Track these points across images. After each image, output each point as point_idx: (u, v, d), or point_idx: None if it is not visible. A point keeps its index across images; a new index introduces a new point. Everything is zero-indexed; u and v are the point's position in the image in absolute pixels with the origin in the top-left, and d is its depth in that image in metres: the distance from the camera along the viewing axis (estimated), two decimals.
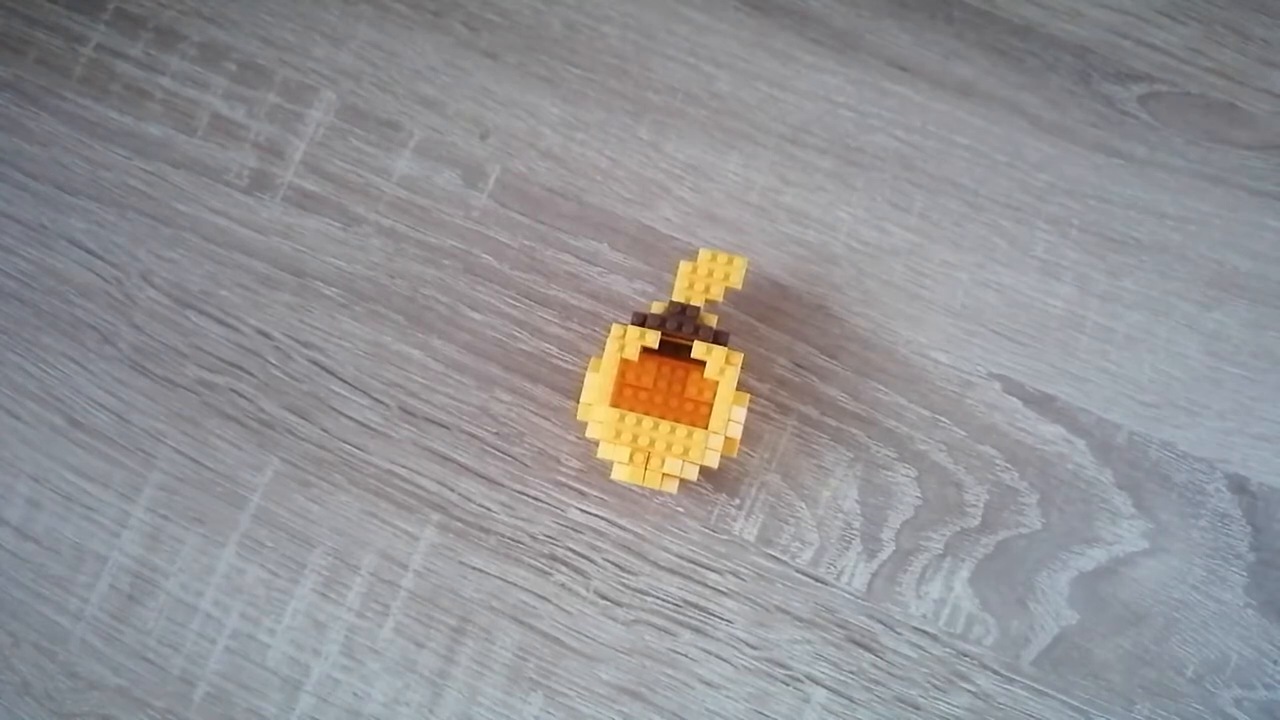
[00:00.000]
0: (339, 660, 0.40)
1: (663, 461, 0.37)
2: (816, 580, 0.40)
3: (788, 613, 0.40)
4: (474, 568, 0.40)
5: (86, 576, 0.41)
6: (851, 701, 0.39)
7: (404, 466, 0.41)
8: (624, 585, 0.40)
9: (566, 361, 0.42)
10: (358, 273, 0.43)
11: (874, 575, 0.40)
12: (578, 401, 0.41)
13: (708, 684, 0.39)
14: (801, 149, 0.43)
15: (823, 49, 0.44)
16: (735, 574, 0.40)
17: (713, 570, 0.40)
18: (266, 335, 0.42)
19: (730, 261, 0.38)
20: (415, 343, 0.42)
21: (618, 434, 0.36)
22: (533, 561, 0.40)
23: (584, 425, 0.41)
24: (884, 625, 0.39)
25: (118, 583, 0.41)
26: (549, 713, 0.39)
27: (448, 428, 0.41)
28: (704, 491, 0.41)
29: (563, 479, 0.41)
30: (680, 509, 0.40)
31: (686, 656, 0.39)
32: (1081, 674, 0.39)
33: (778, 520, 0.40)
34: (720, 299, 0.38)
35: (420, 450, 0.41)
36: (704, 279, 0.38)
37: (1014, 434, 0.40)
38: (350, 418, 0.42)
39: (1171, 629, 0.39)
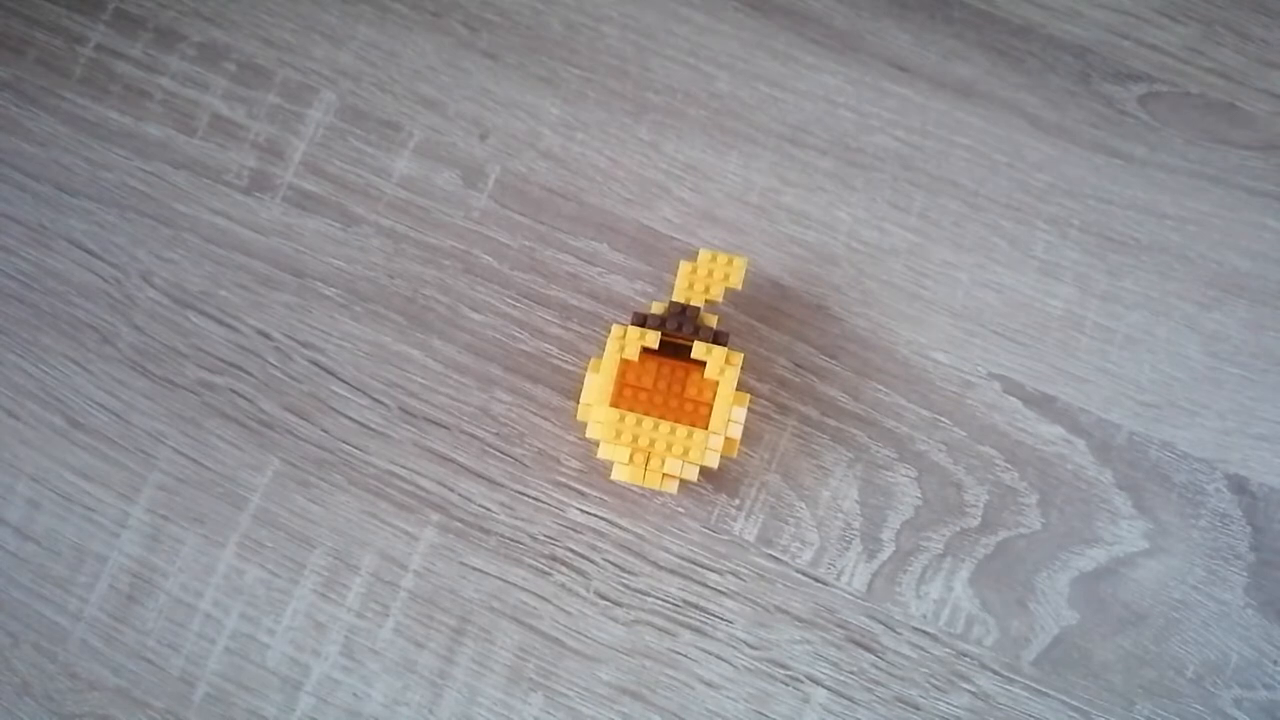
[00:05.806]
0: (339, 661, 0.40)
1: (663, 462, 0.37)
2: (816, 580, 0.40)
3: (788, 613, 0.40)
4: (474, 568, 0.40)
5: (86, 577, 0.41)
6: (852, 702, 0.39)
7: (404, 467, 0.41)
8: (624, 585, 0.40)
9: (566, 362, 0.42)
10: (358, 273, 0.43)
11: (874, 575, 0.40)
12: (578, 402, 0.41)
13: (708, 684, 0.39)
14: (801, 149, 0.43)
15: (823, 49, 0.44)
16: (735, 574, 0.40)
17: (713, 570, 0.40)
18: (266, 335, 0.42)
19: (730, 262, 0.38)
20: (415, 343, 0.42)
21: (618, 434, 0.36)
22: (533, 562, 0.40)
23: (584, 425, 0.41)
24: (884, 625, 0.39)
25: (117, 583, 0.41)
26: (549, 713, 0.39)
27: (448, 428, 0.41)
28: (704, 492, 0.41)
29: (563, 479, 0.41)
30: (680, 509, 0.40)
31: (686, 657, 0.39)
32: (1081, 674, 0.39)
33: (778, 520, 0.40)
34: (720, 299, 0.38)
35: (420, 451, 0.41)
36: (704, 279, 0.38)
37: (1014, 434, 0.40)
38: (350, 418, 0.42)
39: (1171, 629, 0.39)
